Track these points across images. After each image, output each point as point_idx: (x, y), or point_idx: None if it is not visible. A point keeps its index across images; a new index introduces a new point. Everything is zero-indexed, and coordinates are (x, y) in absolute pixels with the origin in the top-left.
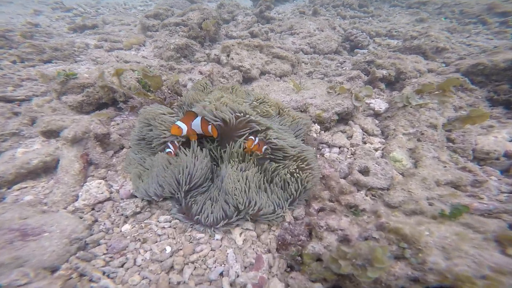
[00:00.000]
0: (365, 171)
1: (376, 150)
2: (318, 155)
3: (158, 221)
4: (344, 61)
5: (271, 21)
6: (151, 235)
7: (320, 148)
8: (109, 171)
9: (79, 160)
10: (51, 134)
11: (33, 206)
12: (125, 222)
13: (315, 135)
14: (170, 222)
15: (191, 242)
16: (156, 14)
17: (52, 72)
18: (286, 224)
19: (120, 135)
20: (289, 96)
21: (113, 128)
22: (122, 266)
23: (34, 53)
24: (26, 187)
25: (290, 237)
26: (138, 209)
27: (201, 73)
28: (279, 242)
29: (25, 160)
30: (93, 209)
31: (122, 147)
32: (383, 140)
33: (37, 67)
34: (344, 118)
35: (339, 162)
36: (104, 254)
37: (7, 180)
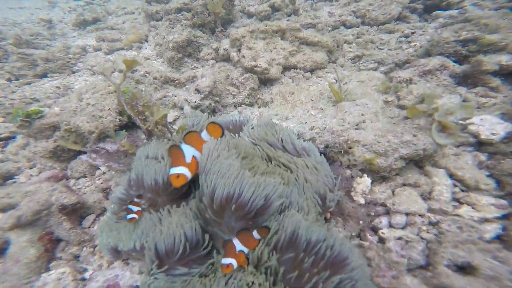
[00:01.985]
0: (464, 267)
1: (487, 222)
2: (367, 234)
3: None
4: (413, 32)
5: None
6: None
7: (372, 214)
8: (84, 248)
9: (36, 243)
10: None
11: None
12: None
13: (361, 199)
14: None
15: None
16: None
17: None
18: None
19: (104, 190)
20: (322, 115)
21: (98, 179)
22: None
23: (26, 67)
24: None
25: None
26: None
27: (198, 91)
28: None
29: None
30: None
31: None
32: (503, 202)
33: (32, 84)
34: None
35: (407, 243)
36: None
37: None
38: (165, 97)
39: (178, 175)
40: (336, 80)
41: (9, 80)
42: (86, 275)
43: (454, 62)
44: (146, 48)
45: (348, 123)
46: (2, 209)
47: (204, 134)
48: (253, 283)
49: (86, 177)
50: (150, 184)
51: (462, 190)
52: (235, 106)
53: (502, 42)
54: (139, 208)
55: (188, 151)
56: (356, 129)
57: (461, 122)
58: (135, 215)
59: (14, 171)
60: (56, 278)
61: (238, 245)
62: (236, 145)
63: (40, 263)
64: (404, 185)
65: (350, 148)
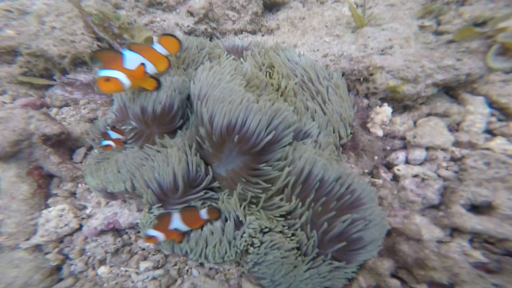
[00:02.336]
0: (482, 207)
1: None
2: (381, 171)
3: (138, 269)
4: None
5: None
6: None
7: (388, 149)
8: (79, 185)
9: (26, 179)
10: None
11: None
12: (101, 263)
13: (379, 131)
14: (153, 271)
15: None
16: None
17: None
18: None
19: (91, 120)
20: (338, 41)
21: (84, 108)
22: None
23: None
24: None
25: None
26: (108, 256)
27: (191, 14)
28: None
29: None
30: (61, 241)
31: None
32: None
33: None
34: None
35: (423, 181)
36: None
37: None
38: (152, 22)
39: (108, 78)
40: (357, 5)
41: None
42: (86, 212)
43: None
44: None
45: (371, 49)
46: None
47: (157, 47)
48: (270, 229)
49: (69, 106)
50: (137, 112)
51: (500, 120)
52: (235, 33)
53: None
54: (119, 136)
55: (132, 56)
56: (381, 54)
57: None
58: (111, 143)
59: None
60: (57, 214)
61: (176, 221)
62: (240, 68)
63: (37, 199)
64: (430, 114)
65: (372, 75)
